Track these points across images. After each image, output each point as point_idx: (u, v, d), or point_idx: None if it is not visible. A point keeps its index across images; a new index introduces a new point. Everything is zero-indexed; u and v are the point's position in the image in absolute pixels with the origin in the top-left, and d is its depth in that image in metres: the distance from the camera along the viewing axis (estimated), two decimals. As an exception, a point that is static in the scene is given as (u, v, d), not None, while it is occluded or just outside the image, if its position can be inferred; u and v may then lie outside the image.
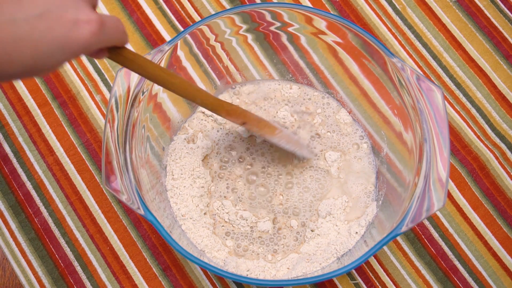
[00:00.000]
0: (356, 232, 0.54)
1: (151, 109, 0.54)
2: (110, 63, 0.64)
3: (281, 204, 0.57)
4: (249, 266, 0.53)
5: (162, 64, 0.51)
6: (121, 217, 0.59)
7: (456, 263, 0.57)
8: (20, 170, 0.60)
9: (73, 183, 0.60)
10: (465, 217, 0.59)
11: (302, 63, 0.61)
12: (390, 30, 0.65)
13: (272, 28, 0.57)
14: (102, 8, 0.66)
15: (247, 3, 0.67)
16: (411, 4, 0.66)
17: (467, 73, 0.64)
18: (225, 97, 0.60)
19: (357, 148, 0.59)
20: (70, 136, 0.61)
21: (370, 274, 0.57)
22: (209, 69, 0.60)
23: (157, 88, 0.52)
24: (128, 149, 0.47)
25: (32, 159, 0.60)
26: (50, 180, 0.60)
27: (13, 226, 0.58)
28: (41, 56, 0.31)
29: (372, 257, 0.57)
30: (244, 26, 0.56)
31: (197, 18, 0.66)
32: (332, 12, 0.65)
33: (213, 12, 0.66)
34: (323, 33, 0.54)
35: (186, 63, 0.58)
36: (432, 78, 0.63)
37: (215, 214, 0.56)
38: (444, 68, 0.64)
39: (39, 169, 0.60)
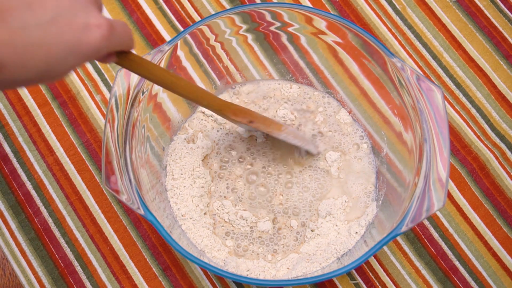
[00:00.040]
0: (356, 232, 0.54)
1: (151, 109, 0.54)
2: (110, 63, 0.64)
3: (281, 204, 0.57)
4: (249, 266, 0.53)
5: (162, 64, 0.51)
6: (121, 217, 0.59)
7: (456, 263, 0.57)
8: (20, 170, 0.60)
9: (73, 183, 0.60)
10: (465, 217, 0.59)
11: (302, 63, 0.61)
12: (390, 30, 0.65)
13: (272, 28, 0.57)
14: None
15: (247, 3, 0.67)
16: (411, 4, 0.66)
17: (467, 73, 0.64)
18: (225, 97, 0.61)
19: (357, 148, 0.59)
20: (70, 136, 0.61)
21: (370, 274, 0.57)
22: (209, 69, 0.60)
23: (157, 88, 0.52)
24: (128, 149, 0.47)
25: (32, 159, 0.60)
26: (50, 180, 0.60)
27: (13, 226, 0.58)
28: (54, 60, 0.31)
29: (372, 257, 0.57)
30: (244, 26, 0.56)
31: (197, 18, 0.66)
32: (332, 12, 0.65)
33: (213, 12, 0.66)
34: (323, 33, 0.54)
35: (186, 63, 0.58)
36: (432, 78, 0.63)
37: (215, 214, 0.56)
38: (444, 68, 0.64)
39: (39, 169, 0.60)
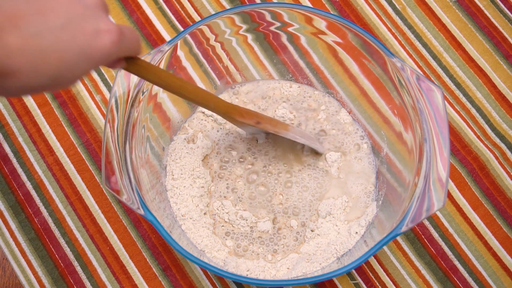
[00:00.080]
0: (356, 232, 0.54)
1: (151, 109, 0.54)
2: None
3: (281, 203, 0.57)
4: (249, 266, 0.53)
5: (162, 64, 0.51)
6: (121, 217, 0.59)
7: (456, 263, 0.57)
8: (20, 170, 0.60)
9: (73, 183, 0.60)
10: (465, 217, 0.59)
11: (302, 63, 0.61)
12: (390, 30, 0.65)
13: (272, 28, 0.57)
14: (102, 8, 0.66)
15: (247, 3, 0.67)
16: (411, 4, 0.66)
17: (467, 73, 0.64)
18: (224, 97, 0.61)
19: (358, 149, 0.59)
20: (70, 136, 0.61)
21: (370, 274, 0.57)
22: (209, 69, 0.60)
23: (157, 88, 0.52)
24: (128, 149, 0.47)
25: (32, 159, 0.60)
26: (50, 180, 0.60)
27: (13, 226, 0.58)
28: (66, 66, 0.31)
29: (372, 257, 0.57)
30: (244, 26, 0.56)
31: (197, 18, 0.66)
32: (332, 12, 0.65)
33: (213, 12, 0.66)
34: (323, 33, 0.54)
35: (186, 63, 0.58)
36: (432, 78, 0.63)
37: (215, 214, 0.56)
38: (444, 68, 0.64)
39: (39, 169, 0.60)
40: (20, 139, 0.61)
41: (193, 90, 0.46)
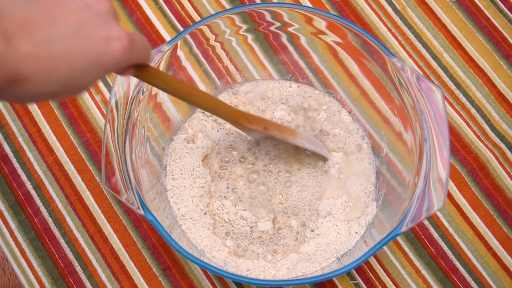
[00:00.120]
0: (356, 232, 0.54)
1: (151, 109, 0.54)
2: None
3: (281, 203, 0.57)
4: (249, 266, 0.53)
5: (162, 64, 0.51)
6: (121, 217, 0.59)
7: (456, 263, 0.57)
8: (20, 170, 0.60)
9: (73, 183, 0.60)
10: (465, 217, 0.59)
11: (302, 63, 0.61)
12: (390, 30, 0.65)
13: (272, 28, 0.57)
14: (102, 8, 0.66)
15: (247, 3, 0.67)
16: (411, 4, 0.66)
17: (467, 73, 0.64)
18: (224, 97, 0.61)
19: (359, 149, 0.59)
20: (70, 136, 0.61)
21: (370, 274, 0.57)
22: (209, 69, 0.60)
23: (156, 88, 0.52)
24: (128, 149, 0.47)
25: (32, 159, 0.60)
26: (50, 180, 0.60)
27: (13, 226, 0.58)
28: (77, 73, 0.31)
29: (372, 257, 0.57)
30: (244, 26, 0.56)
31: (197, 18, 0.66)
32: (332, 12, 0.65)
33: (213, 12, 0.66)
34: (323, 33, 0.54)
35: (186, 63, 0.58)
36: (432, 78, 0.63)
37: (215, 214, 0.56)
38: (444, 68, 0.64)
39: (39, 169, 0.60)
40: (20, 139, 0.61)
41: (202, 97, 0.47)
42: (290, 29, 0.56)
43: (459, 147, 0.61)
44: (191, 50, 0.56)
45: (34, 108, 0.62)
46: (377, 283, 0.57)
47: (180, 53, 0.54)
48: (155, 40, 0.65)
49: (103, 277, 0.57)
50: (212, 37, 0.55)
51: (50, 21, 0.30)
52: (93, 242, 0.58)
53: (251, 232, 0.55)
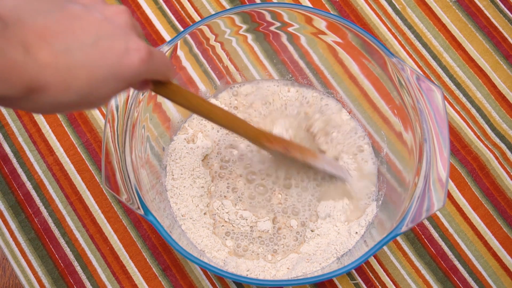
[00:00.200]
0: (356, 232, 0.54)
1: (151, 109, 0.54)
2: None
3: (280, 203, 0.57)
4: (249, 266, 0.53)
5: (162, 64, 0.51)
6: (121, 217, 0.59)
7: (456, 263, 0.57)
8: (20, 170, 0.60)
9: (73, 183, 0.60)
10: (465, 217, 0.59)
11: (302, 63, 0.61)
12: (390, 30, 0.65)
13: (272, 28, 0.57)
14: (102, 8, 0.66)
15: (247, 3, 0.67)
16: (411, 4, 0.66)
17: (467, 73, 0.64)
18: (224, 97, 0.61)
19: (360, 149, 0.59)
20: (70, 136, 0.61)
21: (370, 274, 0.57)
22: (209, 69, 0.60)
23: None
24: (128, 149, 0.47)
25: (32, 159, 0.60)
26: (50, 180, 0.60)
27: (13, 226, 0.58)
28: (96, 84, 0.31)
29: (372, 257, 0.57)
30: (244, 26, 0.56)
31: (197, 18, 0.66)
32: (332, 12, 0.65)
33: (213, 12, 0.66)
34: (323, 33, 0.54)
35: (186, 63, 0.58)
36: (432, 78, 0.63)
37: (215, 214, 0.56)
38: (444, 68, 0.64)
39: (39, 169, 0.60)
40: (20, 139, 0.61)
41: (222, 115, 0.46)
42: (290, 29, 0.56)
43: (459, 147, 0.61)
44: (191, 50, 0.56)
45: (34, 108, 0.62)
46: (377, 283, 0.57)
47: (180, 53, 0.54)
48: (155, 40, 0.65)
49: (103, 277, 0.57)
50: (212, 37, 0.55)
51: (70, 32, 0.31)
52: (93, 242, 0.58)
53: (251, 232, 0.55)
